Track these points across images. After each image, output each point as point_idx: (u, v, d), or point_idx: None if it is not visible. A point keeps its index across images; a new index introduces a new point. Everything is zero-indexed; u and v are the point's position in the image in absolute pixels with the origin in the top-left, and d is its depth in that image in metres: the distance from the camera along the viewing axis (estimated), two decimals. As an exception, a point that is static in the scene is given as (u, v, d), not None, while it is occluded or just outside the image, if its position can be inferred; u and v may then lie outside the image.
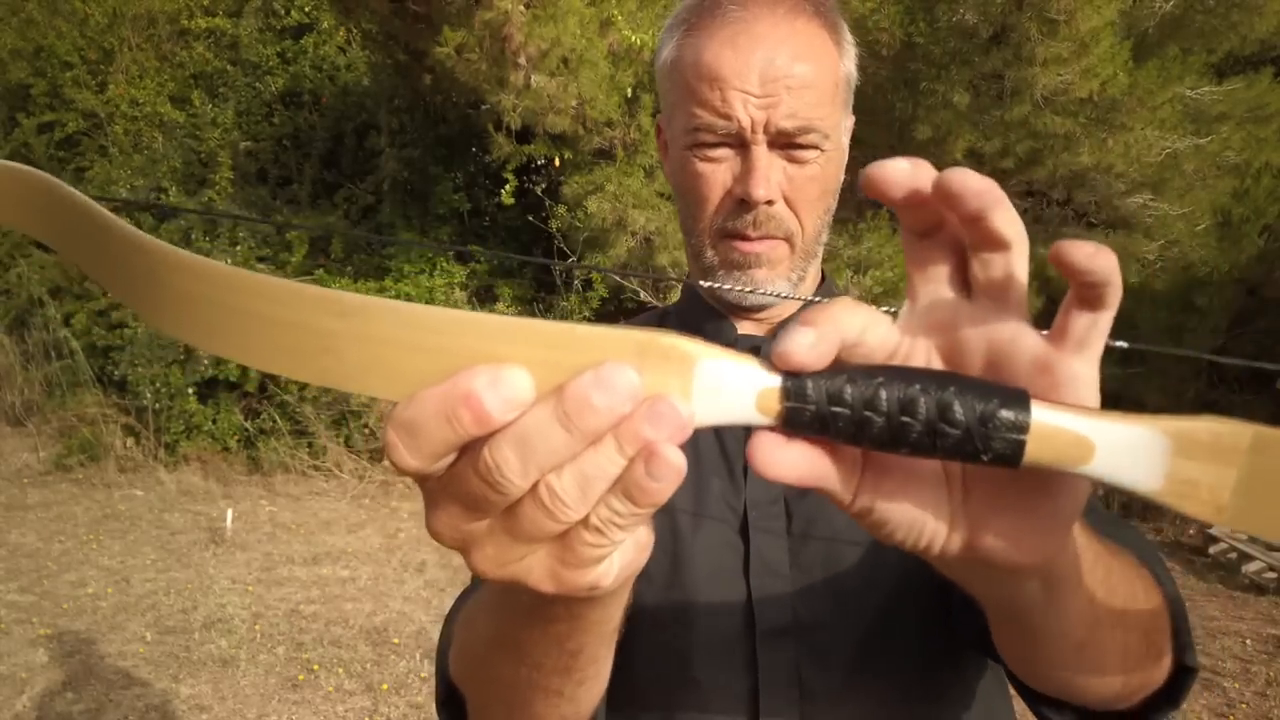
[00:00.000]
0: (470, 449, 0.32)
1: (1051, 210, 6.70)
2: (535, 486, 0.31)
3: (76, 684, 3.60)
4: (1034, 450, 0.31)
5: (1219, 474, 0.30)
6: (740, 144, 0.79)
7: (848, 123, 0.86)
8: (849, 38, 0.84)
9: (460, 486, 0.32)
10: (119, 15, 8.51)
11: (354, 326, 0.31)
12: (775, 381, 0.32)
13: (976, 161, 6.33)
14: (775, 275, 0.82)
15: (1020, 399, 0.32)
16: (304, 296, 0.31)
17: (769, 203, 0.79)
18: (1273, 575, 4.87)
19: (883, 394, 0.31)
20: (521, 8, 5.36)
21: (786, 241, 0.81)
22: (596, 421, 0.30)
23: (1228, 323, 5.70)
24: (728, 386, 0.32)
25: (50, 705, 3.44)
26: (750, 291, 0.83)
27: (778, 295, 0.82)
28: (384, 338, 0.31)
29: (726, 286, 0.83)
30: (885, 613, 0.77)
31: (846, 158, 0.87)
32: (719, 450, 0.84)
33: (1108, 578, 0.49)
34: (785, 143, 0.78)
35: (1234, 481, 0.30)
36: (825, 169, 0.81)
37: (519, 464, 0.31)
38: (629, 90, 5.89)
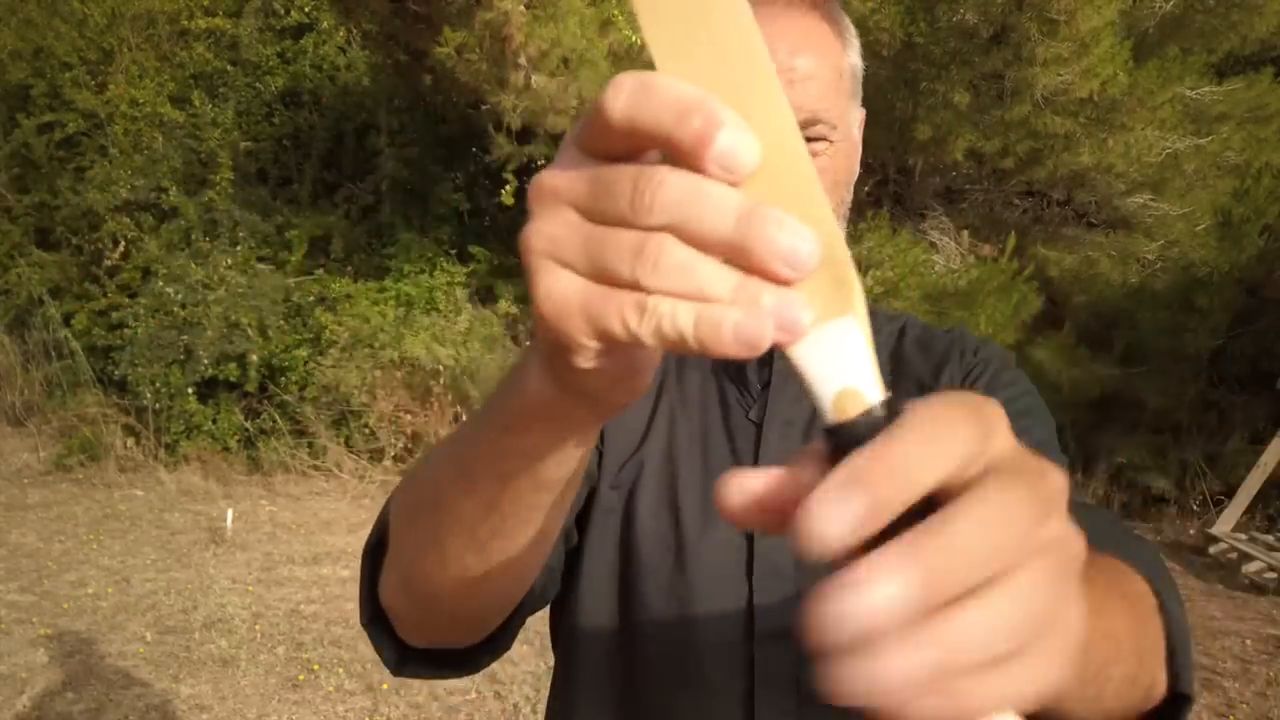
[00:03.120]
0: (645, 160, 0.31)
1: (1052, 210, 6.71)
2: (654, 232, 0.30)
3: (77, 684, 3.60)
4: None
5: None
6: None
7: (857, 114, 0.85)
8: (851, 29, 0.84)
9: (604, 185, 0.31)
10: (118, 15, 8.50)
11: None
12: (874, 396, 0.30)
13: (976, 161, 6.34)
14: None
15: None
16: None
17: None
18: (1273, 575, 4.87)
19: None
20: (522, 8, 5.36)
21: None
22: (759, 248, 0.29)
23: (1228, 323, 5.70)
24: (839, 356, 0.31)
25: (50, 705, 3.44)
26: None
27: None
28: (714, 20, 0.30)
29: None
30: None
31: (860, 150, 0.86)
32: (728, 450, 0.83)
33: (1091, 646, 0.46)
34: None
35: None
36: (835, 160, 0.80)
37: (674, 205, 0.29)
38: (629, 90, 5.89)
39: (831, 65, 0.79)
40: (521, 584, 0.61)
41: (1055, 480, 0.30)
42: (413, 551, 0.58)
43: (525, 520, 0.50)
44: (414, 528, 0.57)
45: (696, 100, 0.29)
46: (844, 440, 0.29)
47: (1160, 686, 0.56)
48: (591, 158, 0.32)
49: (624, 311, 0.30)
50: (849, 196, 0.85)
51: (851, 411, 0.30)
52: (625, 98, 0.29)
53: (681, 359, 0.88)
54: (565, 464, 0.46)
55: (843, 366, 0.31)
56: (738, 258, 0.30)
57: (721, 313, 0.29)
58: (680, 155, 0.30)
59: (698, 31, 0.30)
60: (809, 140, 0.78)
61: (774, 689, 0.76)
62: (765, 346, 0.30)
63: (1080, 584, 0.31)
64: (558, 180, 0.32)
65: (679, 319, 0.30)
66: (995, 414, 0.29)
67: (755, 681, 0.76)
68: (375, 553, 0.66)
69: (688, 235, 0.30)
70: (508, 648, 0.71)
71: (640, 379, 0.37)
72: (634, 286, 0.30)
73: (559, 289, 0.32)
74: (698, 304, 0.30)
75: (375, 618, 0.66)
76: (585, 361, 0.33)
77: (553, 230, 0.32)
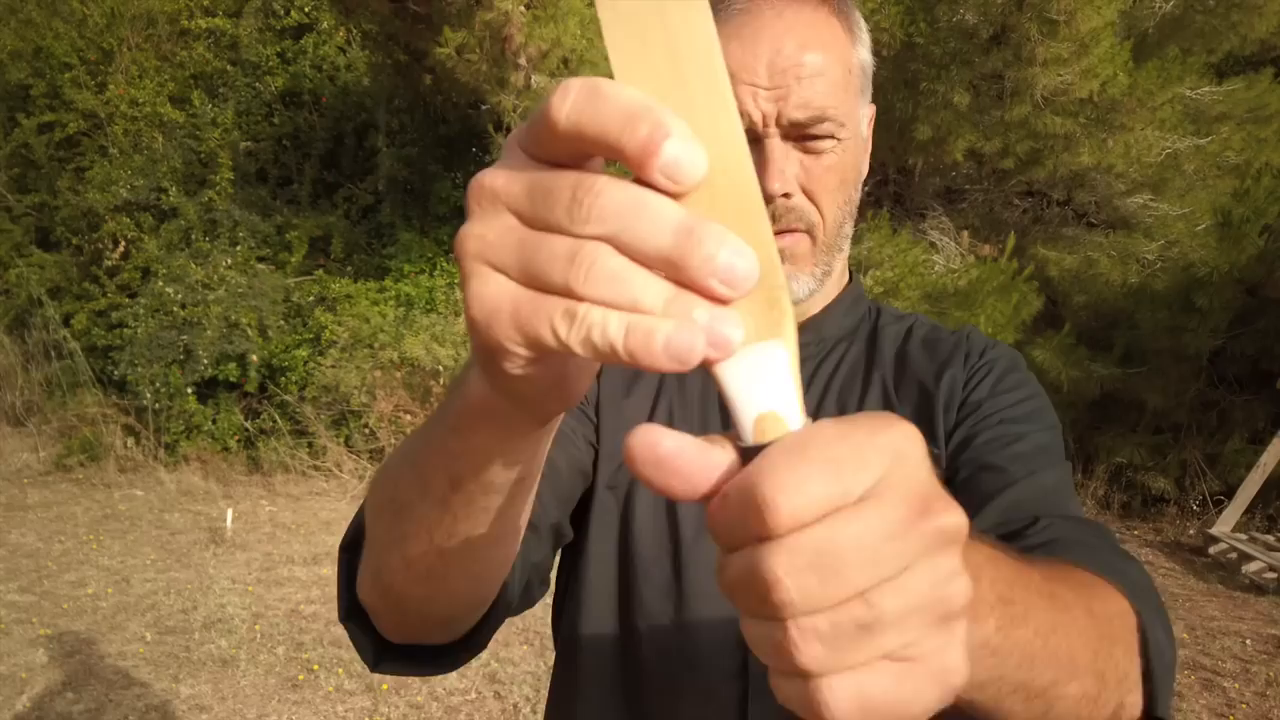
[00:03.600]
0: (589, 168, 0.31)
1: (1052, 210, 6.71)
2: (590, 239, 0.29)
3: (76, 684, 3.60)
4: None
5: None
6: (754, 139, 0.76)
7: (867, 111, 0.83)
8: (861, 24, 0.82)
9: (543, 191, 0.30)
10: (118, 15, 8.50)
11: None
12: (795, 423, 0.31)
13: (976, 161, 6.34)
14: (797, 271, 0.80)
15: None
16: None
17: (786, 195, 0.77)
18: (1272, 575, 4.87)
19: None
20: (522, 8, 5.36)
21: (808, 234, 0.79)
22: (696, 264, 0.29)
23: (1228, 323, 5.70)
24: (765, 379, 0.31)
25: (50, 705, 3.44)
26: None
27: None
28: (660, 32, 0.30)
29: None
30: None
31: (869, 148, 0.85)
32: None
33: (1027, 657, 0.46)
34: (799, 134, 0.76)
35: None
36: (843, 158, 0.79)
37: (612, 215, 0.29)
38: (629, 90, 5.90)
39: (840, 61, 0.78)
40: (486, 585, 0.60)
41: (945, 520, 0.30)
42: (380, 550, 0.57)
43: (477, 522, 0.50)
44: (379, 526, 0.57)
45: (645, 108, 0.29)
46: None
47: (1132, 708, 0.55)
48: (534, 161, 0.31)
49: (553, 318, 0.30)
50: (857, 195, 0.83)
51: (771, 435, 0.30)
52: (572, 101, 0.29)
53: None
54: (511, 467, 0.45)
55: (767, 390, 0.31)
56: (674, 272, 0.29)
57: (653, 324, 0.29)
58: (625, 162, 0.29)
59: (656, 41, 0.30)
60: (816, 138, 0.77)
61: (767, 695, 0.73)
62: (695, 362, 0.29)
63: (984, 619, 0.32)
64: (497, 181, 0.31)
65: (609, 329, 0.29)
66: (892, 444, 0.29)
67: (749, 686, 0.75)
68: (351, 549, 0.66)
69: (624, 246, 0.29)
70: (484, 646, 0.70)
71: (573, 387, 0.37)
72: (566, 294, 0.30)
73: (489, 293, 0.31)
74: (629, 315, 0.29)
75: (352, 613, 0.66)
76: (515, 367, 0.33)
77: (487, 232, 0.31)
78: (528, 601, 0.77)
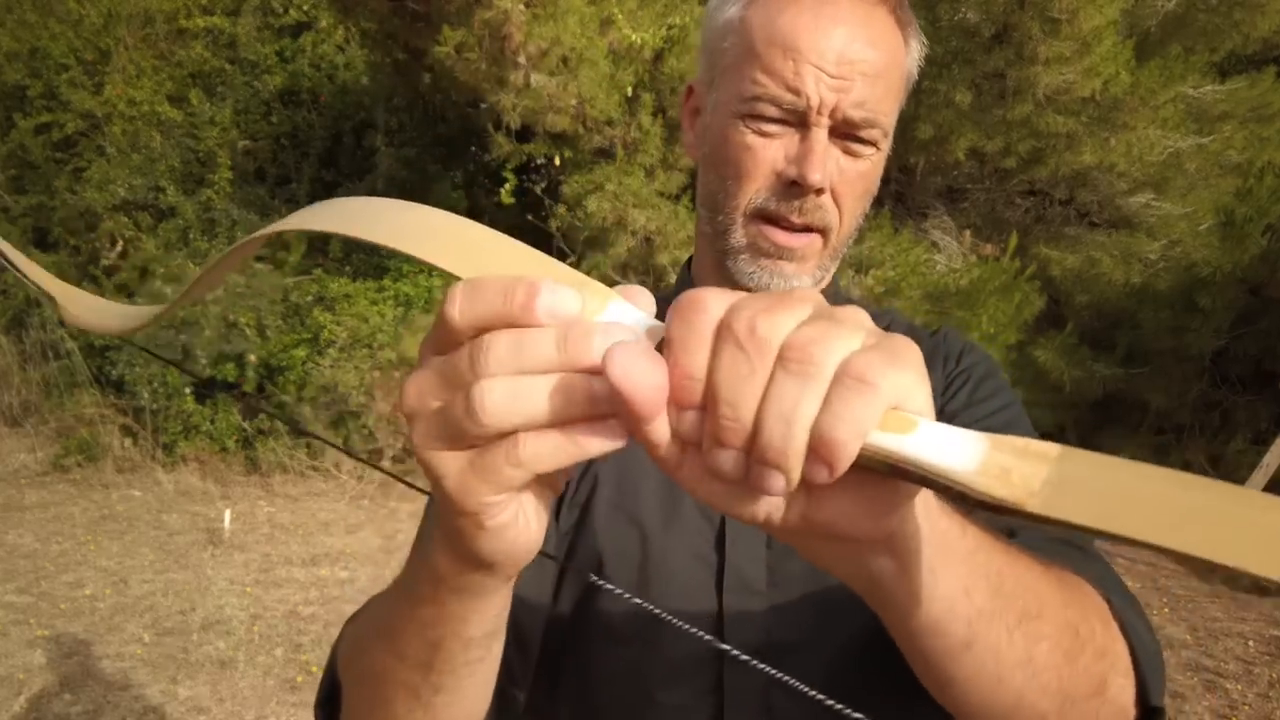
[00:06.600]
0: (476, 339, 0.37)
1: (1054, 210, 6.69)
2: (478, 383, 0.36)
3: (74, 685, 3.58)
4: None
5: (1031, 468, 0.33)
6: (800, 123, 0.74)
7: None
8: (920, 38, 0.81)
9: (448, 364, 0.37)
10: (114, 15, 8.48)
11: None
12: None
13: (978, 161, 6.32)
14: (803, 271, 0.79)
15: None
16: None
17: (819, 191, 0.75)
18: (1276, 576, 4.86)
19: None
20: (521, 7, 5.34)
21: (823, 235, 0.78)
22: (583, 355, 0.35)
23: (1231, 323, 5.69)
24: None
25: (48, 707, 3.42)
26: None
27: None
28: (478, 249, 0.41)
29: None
30: (867, 637, 0.68)
31: None
32: None
33: (994, 571, 0.47)
34: (845, 132, 0.75)
35: (1044, 475, 0.32)
36: (875, 167, 0.78)
37: (506, 356, 0.35)
38: (629, 89, 5.87)
39: (899, 69, 0.77)
40: (479, 716, 0.62)
41: (900, 339, 0.34)
42: (363, 714, 0.60)
43: (462, 674, 0.53)
44: (360, 691, 0.60)
45: (510, 281, 0.36)
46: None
47: (1120, 691, 0.55)
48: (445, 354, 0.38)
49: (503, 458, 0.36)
50: (868, 208, 0.83)
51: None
52: (460, 302, 0.36)
53: None
54: (485, 621, 0.49)
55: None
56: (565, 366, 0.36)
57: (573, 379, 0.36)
58: (519, 324, 0.36)
59: (457, 247, 0.40)
60: (860, 141, 0.76)
61: (743, 710, 0.72)
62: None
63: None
64: (413, 388, 0.38)
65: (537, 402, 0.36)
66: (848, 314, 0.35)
67: (724, 702, 0.73)
68: (328, 706, 0.67)
69: (525, 370, 0.36)
70: None
71: (532, 538, 0.42)
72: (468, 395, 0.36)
73: (448, 464, 0.38)
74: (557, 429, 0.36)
75: None
76: (491, 520, 0.39)
77: (427, 428, 0.38)
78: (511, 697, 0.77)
